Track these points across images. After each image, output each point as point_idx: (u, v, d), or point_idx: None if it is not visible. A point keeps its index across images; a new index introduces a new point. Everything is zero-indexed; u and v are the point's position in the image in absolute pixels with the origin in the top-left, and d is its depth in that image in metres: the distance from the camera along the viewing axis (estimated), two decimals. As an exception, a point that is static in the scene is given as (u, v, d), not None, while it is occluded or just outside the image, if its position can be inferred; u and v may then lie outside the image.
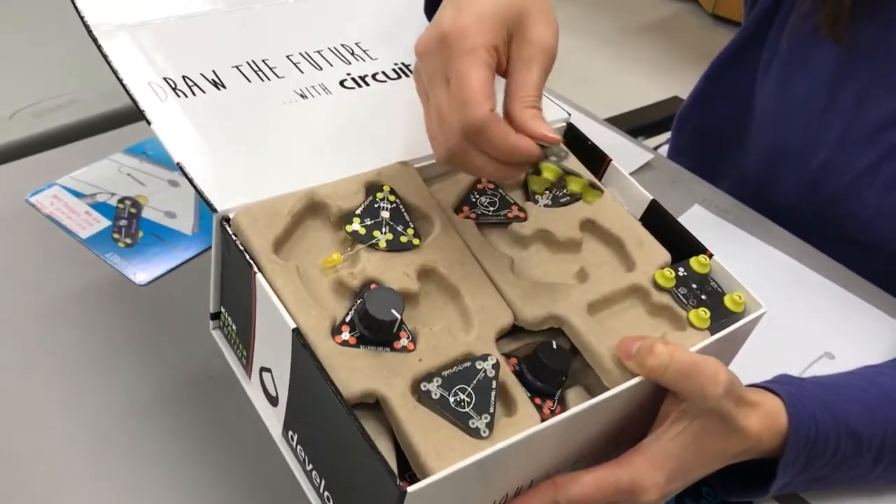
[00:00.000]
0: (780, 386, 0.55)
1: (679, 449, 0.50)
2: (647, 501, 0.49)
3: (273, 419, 0.53)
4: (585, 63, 2.06)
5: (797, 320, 0.75)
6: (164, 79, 0.59)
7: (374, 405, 0.47)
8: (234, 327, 0.55)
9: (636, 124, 1.22)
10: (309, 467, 0.51)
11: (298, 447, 0.52)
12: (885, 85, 0.79)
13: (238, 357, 0.56)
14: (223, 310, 0.56)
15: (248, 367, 0.55)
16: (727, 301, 0.56)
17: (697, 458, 0.51)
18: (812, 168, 0.85)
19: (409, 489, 0.41)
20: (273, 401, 0.53)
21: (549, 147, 0.49)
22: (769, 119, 0.89)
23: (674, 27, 2.26)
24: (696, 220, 0.86)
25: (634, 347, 0.49)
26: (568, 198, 0.61)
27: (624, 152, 0.93)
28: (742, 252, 0.82)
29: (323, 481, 0.50)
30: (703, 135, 1.00)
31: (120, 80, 0.58)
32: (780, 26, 0.86)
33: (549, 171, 0.61)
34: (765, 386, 0.55)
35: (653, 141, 1.06)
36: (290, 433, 0.52)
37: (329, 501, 0.50)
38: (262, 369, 0.53)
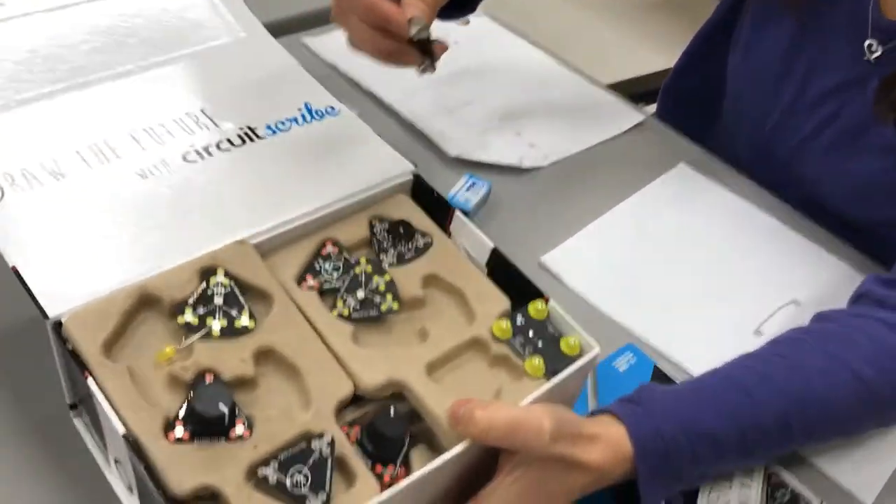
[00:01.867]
0: (625, 406, 0.58)
1: (515, 496, 0.53)
2: None
3: (134, 505, 0.55)
4: (598, 35, 2.07)
5: (768, 271, 0.84)
6: (3, 174, 0.60)
7: (217, 497, 0.49)
8: (88, 417, 0.57)
9: (639, 90, 1.25)
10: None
11: (156, 533, 0.53)
12: (829, 60, 0.86)
13: (97, 445, 0.57)
14: (78, 401, 0.58)
15: (106, 456, 0.56)
16: (563, 345, 0.58)
17: (538, 501, 0.54)
18: (766, 130, 0.93)
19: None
20: (130, 489, 0.54)
21: (415, 19, 0.61)
22: (735, 86, 0.98)
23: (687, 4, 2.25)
24: (681, 177, 0.94)
25: (459, 413, 0.51)
26: (412, 253, 0.62)
27: (619, 113, 1.02)
28: (719, 208, 0.91)
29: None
30: (686, 102, 1.08)
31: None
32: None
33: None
34: (609, 409, 0.58)
35: (653, 108, 1.14)
36: (148, 520, 0.54)
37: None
38: (116, 460, 0.54)
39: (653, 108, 1.13)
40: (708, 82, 1.04)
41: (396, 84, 0.98)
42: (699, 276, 0.83)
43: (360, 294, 0.58)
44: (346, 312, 0.57)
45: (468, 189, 0.85)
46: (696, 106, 1.07)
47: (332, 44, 1.05)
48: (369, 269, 0.60)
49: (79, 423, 0.59)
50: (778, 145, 0.93)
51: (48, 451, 0.58)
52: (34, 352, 0.61)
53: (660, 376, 0.72)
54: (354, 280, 0.59)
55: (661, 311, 0.78)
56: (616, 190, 0.91)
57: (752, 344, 0.69)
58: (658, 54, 1.36)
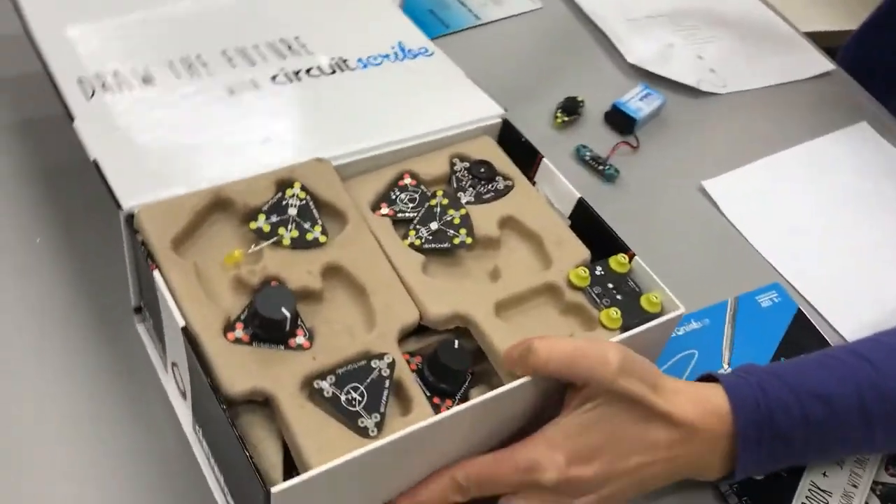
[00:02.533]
0: (718, 374, 0.54)
1: (578, 429, 0.49)
2: (547, 480, 0.48)
3: (185, 413, 0.54)
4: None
5: None
6: (95, 74, 0.60)
7: (268, 404, 0.47)
8: (151, 321, 0.56)
9: (834, 44, 1.21)
10: (212, 462, 0.52)
11: (203, 442, 0.52)
12: None
13: (158, 351, 0.57)
14: (143, 304, 0.57)
15: (165, 362, 0.56)
16: (643, 301, 0.55)
17: (609, 442, 0.49)
18: None
19: (274, 489, 0.41)
20: (184, 395, 0.54)
21: None
22: None
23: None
24: (861, 135, 0.91)
25: (515, 353, 0.49)
26: (492, 194, 0.60)
27: (807, 58, 1.00)
28: (893, 173, 0.87)
29: (222, 477, 0.50)
30: (872, 59, 1.05)
31: (49, 75, 0.59)
32: None
33: None
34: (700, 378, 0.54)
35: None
36: (197, 427, 0.53)
37: (228, 497, 0.50)
38: (173, 364, 0.53)
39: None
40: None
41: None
42: (861, 236, 0.80)
43: (434, 225, 0.56)
44: (417, 242, 0.55)
45: (641, 98, 0.84)
46: (883, 65, 1.04)
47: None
48: (445, 202, 0.58)
49: (141, 329, 0.59)
50: None
51: (110, 358, 0.57)
52: (107, 258, 0.61)
53: (802, 321, 0.71)
54: (429, 211, 0.57)
55: (815, 260, 0.77)
56: (791, 133, 0.89)
57: None
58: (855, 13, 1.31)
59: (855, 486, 0.60)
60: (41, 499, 0.51)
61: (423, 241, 0.56)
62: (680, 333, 0.67)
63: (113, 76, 0.60)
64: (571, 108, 0.82)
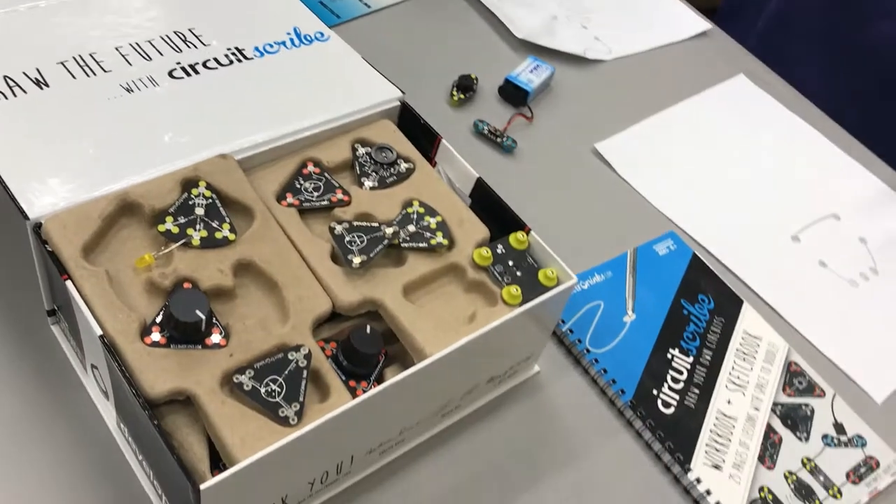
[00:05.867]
0: None
1: None
2: None
3: (109, 411, 0.56)
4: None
5: (812, 185, 0.89)
6: (-14, 79, 0.59)
7: (191, 402, 0.49)
8: (66, 324, 0.57)
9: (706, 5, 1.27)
10: (140, 458, 0.54)
11: (129, 439, 0.54)
12: None
13: (75, 352, 0.58)
14: (56, 307, 0.58)
15: (83, 363, 0.57)
16: (541, 276, 0.59)
17: None
18: None
19: (203, 486, 0.43)
20: (106, 395, 0.55)
21: None
22: None
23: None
24: (738, 87, 0.98)
25: None
26: (394, 178, 0.63)
27: (685, 19, 1.06)
28: (772, 120, 0.95)
29: (151, 471, 0.52)
30: None
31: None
32: None
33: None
34: None
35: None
36: (122, 426, 0.54)
37: (159, 490, 0.52)
38: (93, 366, 0.55)
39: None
40: None
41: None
42: (745, 180, 0.87)
43: (412, 228, 0.59)
44: (396, 241, 0.58)
45: (532, 71, 0.87)
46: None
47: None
48: (422, 210, 0.60)
49: (56, 330, 0.60)
50: None
51: (26, 359, 0.58)
52: (14, 260, 0.61)
53: (697, 264, 0.77)
54: (406, 217, 0.60)
55: (705, 207, 0.83)
56: (674, 91, 0.94)
57: (789, 247, 0.80)
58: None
59: (757, 409, 0.66)
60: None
61: (401, 240, 0.58)
62: (585, 287, 0.72)
63: (3, 81, 0.59)
64: (466, 86, 0.85)
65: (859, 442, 0.67)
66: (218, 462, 0.49)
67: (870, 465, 0.66)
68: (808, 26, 1.10)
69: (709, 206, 0.84)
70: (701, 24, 1.05)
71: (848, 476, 0.65)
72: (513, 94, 0.86)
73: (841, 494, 0.63)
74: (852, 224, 0.86)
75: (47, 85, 0.60)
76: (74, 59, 0.63)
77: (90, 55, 0.64)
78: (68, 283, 0.50)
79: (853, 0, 1.06)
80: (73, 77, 0.62)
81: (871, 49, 1.06)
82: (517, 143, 0.82)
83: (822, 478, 0.64)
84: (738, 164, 0.89)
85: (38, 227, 0.52)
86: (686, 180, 0.86)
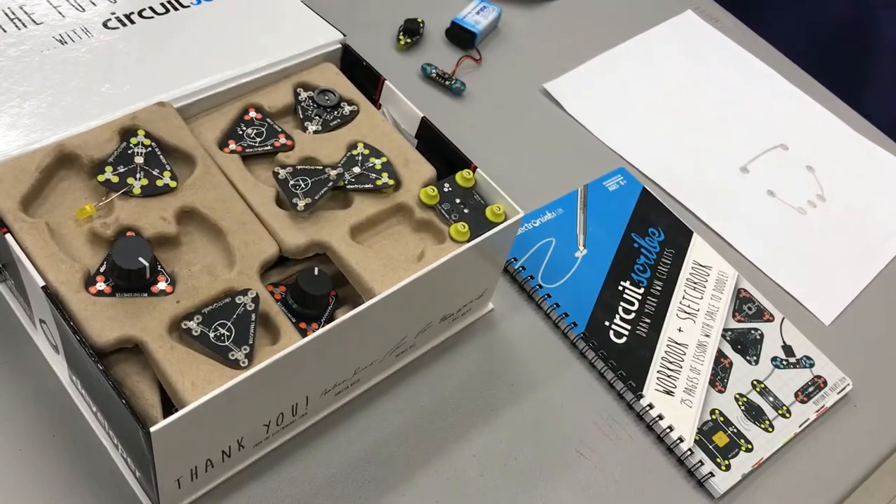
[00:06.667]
0: None
1: None
2: None
3: (60, 365, 0.56)
4: None
5: (760, 117, 0.90)
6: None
7: (140, 351, 0.49)
8: (13, 281, 0.56)
9: None
10: (94, 409, 0.54)
11: (83, 392, 0.54)
12: None
13: (23, 308, 0.57)
14: (1, 265, 0.57)
15: (32, 319, 0.56)
16: (488, 213, 0.59)
17: None
18: None
19: (153, 428, 0.44)
20: (56, 349, 0.55)
21: None
22: None
23: None
24: (686, 23, 0.99)
25: None
26: (338, 121, 0.62)
27: None
28: (720, 55, 0.96)
29: (105, 422, 0.52)
30: None
31: None
32: None
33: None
34: None
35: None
36: (73, 378, 0.54)
37: (115, 440, 0.53)
38: (41, 321, 0.54)
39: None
40: None
41: None
42: (693, 114, 0.88)
43: (357, 170, 0.59)
44: (341, 183, 0.58)
45: (478, 12, 0.86)
46: None
47: None
48: (367, 151, 0.60)
49: (2, 288, 0.59)
50: None
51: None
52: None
53: (647, 198, 0.78)
54: (351, 159, 0.59)
55: (654, 141, 0.84)
56: (623, 29, 0.94)
57: (738, 179, 0.81)
58: None
59: (707, 336, 0.68)
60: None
61: (346, 182, 0.58)
62: (537, 225, 0.72)
63: (-67, 36, 0.58)
64: (413, 30, 0.84)
65: (807, 363, 0.69)
66: (171, 410, 0.49)
67: (817, 384, 0.67)
68: None
69: (658, 141, 0.84)
70: None
71: (796, 396, 0.66)
72: (460, 37, 0.85)
73: (790, 413, 0.65)
74: (800, 153, 0.87)
75: (-23, 39, 0.59)
76: (4, 12, 0.61)
77: (20, 7, 0.62)
78: (8, 237, 0.49)
79: None
80: (4, 31, 0.60)
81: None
82: (466, 86, 0.82)
83: (771, 398, 0.66)
84: (686, 99, 0.89)
85: (-27, 181, 0.51)
86: (635, 117, 0.86)
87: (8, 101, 0.56)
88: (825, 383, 0.68)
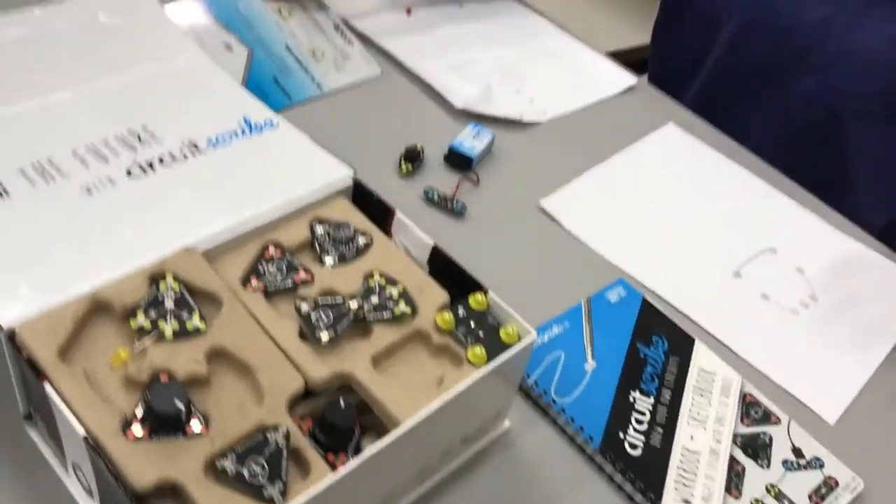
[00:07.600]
0: None
1: None
2: None
3: (93, 509, 0.57)
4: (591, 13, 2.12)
5: (748, 222, 0.94)
6: (-53, 192, 0.61)
7: (177, 494, 0.50)
8: (44, 426, 0.58)
9: (631, 59, 1.33)
10: (128, 553, 0.54)
11: (117, 535, 0.55)
12: None
13: (55, 453, 0.59)
14: (32, 410, 0.59)
15: (64, 463, 0.58)
16: (502, 334, 0.61)
17: None
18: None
19: (197, 572, 0.45)
20: (90, 493, 0.56)
21: None
22: None
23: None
24: (669, 135, 1.05)
25: None
26: (353, 252, 0.65)
27: (613, 76, 1.12)
28: (703, 163, 1.01)
29: (141, 565, 0.53)
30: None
31: None
32: None
33: None
34: None
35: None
36: (107, 522, 0.55)
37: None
38: (74, 465, 0.56)
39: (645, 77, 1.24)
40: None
41: (409, 43, 1.07)
42: (684, 222, 0.92)
43: (375, 299, 0.61)
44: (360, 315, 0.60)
45: (474, 137, 0.91)
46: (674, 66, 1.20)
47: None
48: (383, 281, 0.63)
49: (34, 434, 0.60)
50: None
51: (4, 465, 0.59)
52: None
53: (648, 308, 0.80)
54: (369, 289, 0.62)
55: (650, 251, 0.88)
56: (610, 144, 0.99)
57: (732, 283, 0.85)
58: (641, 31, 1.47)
59: (718, 442, 0.69)
60: None
61: (365, 314, 0.60)
62: (545, 340, 0.74)
63: (-34, 194, 0.61)
64: (413, 156, 0.88)
65: (817, 464, 0.70)
66: (209, 549, 0.50)
67: (829, 484, 0.69)
68: (740, 87, 1.16)
69: (653, 250, 0.88)
70: (629, 78, 1.11)
71: (810, 498, 0.68)
72: (458, 161, 0.90)
73: (806, 516, 0.66)
74: (789, 256, 0.90)
75: (8, 194, 0.62)
76: (33, 165, 0.65)
77: (48, 160, 0.65)
78: (47, 387, 0.51)
79: (783, 59, 1.12)
80: (33, 185, 0.63)
81: (798, 100, 1.12)
82: (467, 207, 0.86)
83: (786, 502, 0.67)
84: (676, 208, 0.94)
85: (11, 335, 0.53)
86: (630, 228, 0.90)
87: (40, 252, 0.58)
88: (837, 483, 0.69)
